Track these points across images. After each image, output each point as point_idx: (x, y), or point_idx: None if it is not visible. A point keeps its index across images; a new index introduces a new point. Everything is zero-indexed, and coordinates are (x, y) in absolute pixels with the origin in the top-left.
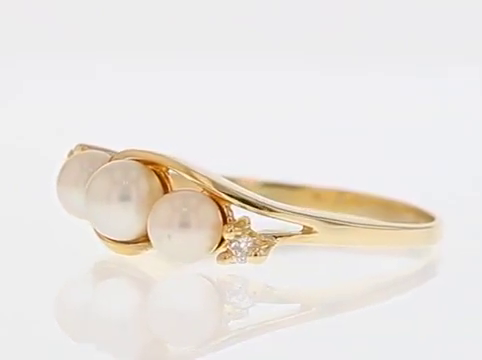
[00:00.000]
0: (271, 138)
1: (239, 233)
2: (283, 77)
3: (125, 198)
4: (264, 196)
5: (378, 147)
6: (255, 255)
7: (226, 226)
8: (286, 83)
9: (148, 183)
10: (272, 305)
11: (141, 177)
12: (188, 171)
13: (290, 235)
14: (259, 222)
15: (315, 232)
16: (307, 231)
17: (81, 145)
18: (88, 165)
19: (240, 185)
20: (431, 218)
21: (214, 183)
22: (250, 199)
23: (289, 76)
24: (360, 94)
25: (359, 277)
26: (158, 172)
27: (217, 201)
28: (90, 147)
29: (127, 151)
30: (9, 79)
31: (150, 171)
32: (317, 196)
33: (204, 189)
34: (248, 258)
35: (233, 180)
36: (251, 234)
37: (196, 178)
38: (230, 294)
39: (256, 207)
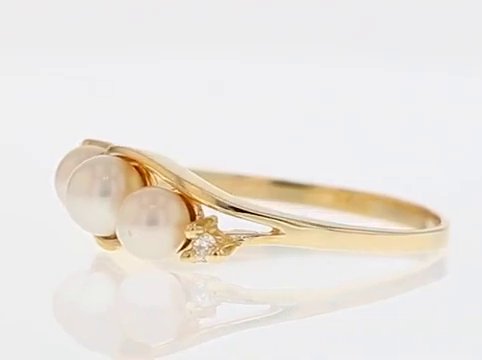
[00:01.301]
0: (275, 137)
1: (200, 231)
2: (293, 76)
3: (105, 193)
4: (276, 195)
5: (382, 146)
6: (215, 254)
7: (189, 224)
8: (295, 82)
9: (125, 179)
10: (240, 305)
11: (120, 173)
12: (160, 169)
13: (257, 235)
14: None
15: (282, 234)
16: (275, 232)
17: (88, 140)
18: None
19: (248, 183)
20: (438, 220)
21: (184, 181)
22: (217, 198)
23: (299, 75)
24: (364, 93)
25: (347, 279)
26: (140, 169)
27: (187, 200)
28: (97, 142)
29: (114, 147)
30: (8, 78)
31: (131, 168)
32: (329, 196)
33: (174, 187)
34: (207, 257)
35: (241, 177)
36: (215, 233)
37: (167, 176)
38: (194, 293)
39: (222, 206)
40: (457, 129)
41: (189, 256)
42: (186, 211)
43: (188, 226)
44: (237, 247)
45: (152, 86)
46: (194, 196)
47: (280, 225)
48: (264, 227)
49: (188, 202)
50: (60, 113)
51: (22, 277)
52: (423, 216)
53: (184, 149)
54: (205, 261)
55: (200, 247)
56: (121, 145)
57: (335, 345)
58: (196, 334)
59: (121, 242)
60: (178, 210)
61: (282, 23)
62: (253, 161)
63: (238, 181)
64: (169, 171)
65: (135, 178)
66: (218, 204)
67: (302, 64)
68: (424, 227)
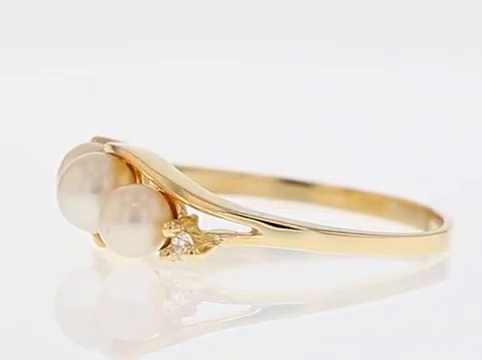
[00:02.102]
0: (277, 136)
1: (178, 230)
2: (294, 76)
3: (95, 190)
4: (282, 194)
5: (383, 145)
6: (191, 253)
7: (166, 223)
8: (296, 82)
9: (115, 176)
10: (220, 305)
11: (111, 170)
12: (143, 166)
13: (235, 235)
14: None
15: (260, 234)
16: (254, 232)
17: (97, 138)
18: None
19: (253, 181)
20: (441, 221)
21: (165, 179)
22: (195, 196)
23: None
24: (364, 93)
25: (345, 279)
26: (133, 167)
27: (170, 198)
28: (105, 140)
29: (110, 145)
30: (8, 78)
31: (123, 165)
32: (339, 196)
33: (158, 185)
34: (183, 256)
35: (246, 176)
36: (194, 232)
37: (150, 174)
38: (172, 291)
39: (201, 205)
40: (458, 129)
41: (168, 254)
42: (168, 209)
43: (165, 224)
44: (215, 247)
45: (152, 86)
46: (174, 194)
47: (258, 225)
48: (246, 227)
49: (171, 201)
50: (60, 113)
51: (22, 276)
52: (426, 216)
53: (186, 148)
54: (181, 260)
55: (178, 246)
56: (115, 142)
57: (328, 345)
58: (175, 333)
59: (103, 239)
60: (159, 208)
61: (282, 23)
62: (259, 159)
63: (243, 179)
64: (152, 169)
65: (126, 176)
66: (196, 203)
67: (302, 64)
68: (427, 228)
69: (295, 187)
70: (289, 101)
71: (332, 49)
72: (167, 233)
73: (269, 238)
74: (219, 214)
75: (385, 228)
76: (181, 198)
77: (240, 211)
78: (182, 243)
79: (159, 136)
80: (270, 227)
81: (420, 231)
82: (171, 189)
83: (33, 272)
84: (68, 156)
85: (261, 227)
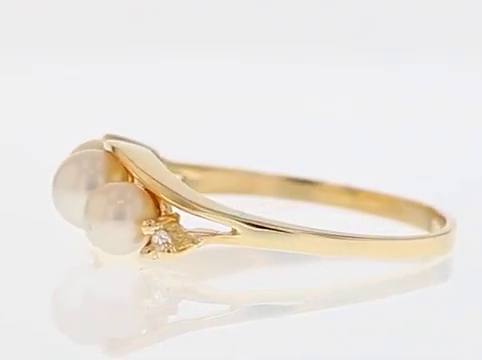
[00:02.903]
0: (277, 136)
1: (157, 228)
2: (294, 76)
3: (91, 187)
4: (287, 193)
5: (384, 145)
6: (168, 251)
7: (146, 221)
8: (296, 82)
9: (108, 174)
10: (200, 304)
11: (105, 168)
12: (130, 165)
13: (214, 235)
14: None
15: (238, 234)
16: (233, 232)
17: (108, 135)
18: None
19: (260, 180)
20: (444, 221)
21: (149, 178)
22: (174, 195)
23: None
24: (368, 92)
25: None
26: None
27: (156, 197)
28: (116, 138)
29: (108, 142)
30: (9, 78)
31: (118, 163)
32: (346, 197)
33: (143, 184)
34: (159, 254)
35: (253, 175)
36: (174, 231)
37: (135, 172)
38: (153, 289)
39: (181, 203)
40: (460, 129)
41: (148, 252)
42: (152, 208)
43: (145, 222)
44: (195, 246)
45: (153, 86)
46: (157, 192)
47: (237, 225)
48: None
49: (156, 199)
50: (60, 113)
51: (21, 277)
52: (429, 216)
53: (189, 148)
54: (158, 258)
55: (157, 244)
56: (113, 141)
57: (327, 346)
58: (158, 331)
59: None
60: (142, 206)
61: (282, 23)
62: (262, 159)
63: (250, 178)
64: (137, 167)
65: (119, 174)
66: (178, 201)
67: (302, 64)
68: (430, 228)
69: (301, 186)
70: (289, 101)
71: (332, 49)
72: (146, 231)
73: (248, 238)
74: (199, 213)
75: (386, 228)
76: (163, 196)
77: (220, 210)
78: (160, 241)
79: (161, 137)
80: (248, 227)
81: (422, 233)
82: (154, 187)
83: (30, 270)
84: (74, 152)
85: (240, 227)
